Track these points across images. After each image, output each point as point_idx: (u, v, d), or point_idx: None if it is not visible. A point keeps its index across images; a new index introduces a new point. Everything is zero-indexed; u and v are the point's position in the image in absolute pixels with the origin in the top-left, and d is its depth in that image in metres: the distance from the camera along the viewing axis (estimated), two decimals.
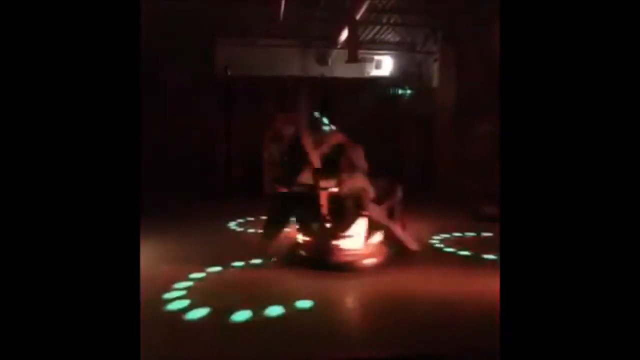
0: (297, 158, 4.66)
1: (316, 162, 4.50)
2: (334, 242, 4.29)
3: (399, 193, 4.86)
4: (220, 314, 3.06)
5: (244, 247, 5.07)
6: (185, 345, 2.64)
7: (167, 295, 3.41)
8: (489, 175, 6.89)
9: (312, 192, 4.42)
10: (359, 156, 4.66)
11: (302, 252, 4.48)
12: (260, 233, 4.96)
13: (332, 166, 4.56)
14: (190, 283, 3.73)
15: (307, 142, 4.60)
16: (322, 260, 4.24)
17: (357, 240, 4.36)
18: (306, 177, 4.48)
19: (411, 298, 3.46)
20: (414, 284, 3.80)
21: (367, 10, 8.71)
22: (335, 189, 4.46)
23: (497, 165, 1.70)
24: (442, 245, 5.28)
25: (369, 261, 4.28)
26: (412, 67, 11.49)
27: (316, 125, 5.16)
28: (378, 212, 4.58)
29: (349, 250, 4.29)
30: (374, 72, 11.64)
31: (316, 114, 5.25)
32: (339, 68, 11.08)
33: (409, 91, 11.13)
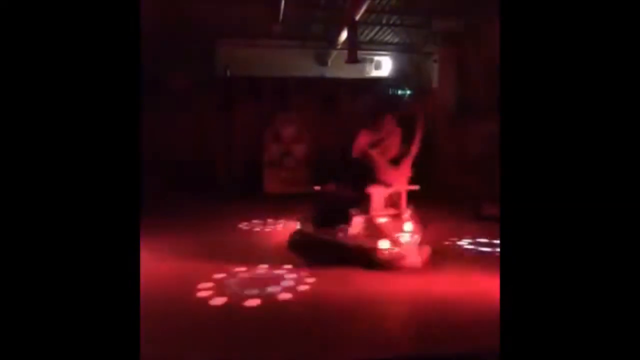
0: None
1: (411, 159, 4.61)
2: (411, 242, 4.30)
3: None
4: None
5: (256, 248, 5.08)
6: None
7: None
8: (490, 175, 6.89)
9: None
10: None
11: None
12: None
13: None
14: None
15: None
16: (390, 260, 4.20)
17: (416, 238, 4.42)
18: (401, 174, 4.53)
19: (411, 298, 3.46)
20: (414, 284, 3.80)
21: (366, 10, 8.71)
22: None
23: (497, 165, 1.70)
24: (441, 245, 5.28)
25: (417, 260, 4.28)
26: (411, 67, 11.49)
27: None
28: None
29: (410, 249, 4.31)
30: (374, 73, 11.64)
31: None
32: (339, 69, 11.09)
33: (408, 92, 11.13)
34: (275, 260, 4.46)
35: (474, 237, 5.58)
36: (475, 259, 4.68)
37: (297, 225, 5.36)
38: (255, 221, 6.77)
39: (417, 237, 4.39)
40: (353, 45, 9.28)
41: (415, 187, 4.65)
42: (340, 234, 4.43)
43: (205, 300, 3.37)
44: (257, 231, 6.21)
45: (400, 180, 4.54)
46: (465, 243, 5.36)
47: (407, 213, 4.48)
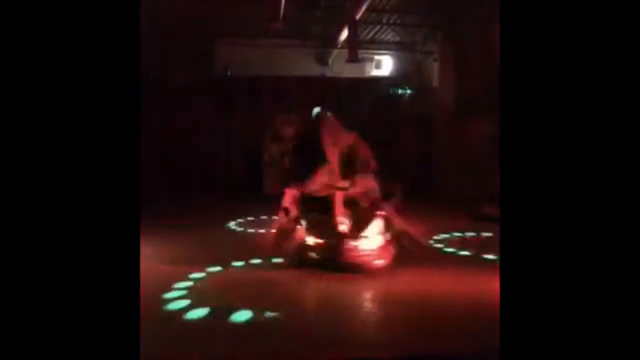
0: (306, 157, 4.62)
1: (334, 161, 4.48)
2: (349, 243, 4.22)
3: (399, 193, 4.85)
4: (220, 314, 3.06)
5: (245, 247, 5.07)
6: (185, 345, 2.64)
7: (167, 295, 3.41)
8: (489, 175, 6.88)
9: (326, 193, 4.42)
10: (370, 156, 4.66)
11: (313, 254, 4.31)
12: (274, 233, 4.83)
13: (348, 166, 4.54)
14: (190, 283, 3.73)
15: (328, 141, 4.52)
16: (334, 261, 4.16)
17: (372, 241, 4.30)
18: (321, 177, 4.44)
19: (410, 298, 3.46)
20: (413, 284, 3.80)
21: (367, 10, 8.70)
22: (351, 189, 4.46)
23: (497, 165, 1.70)
24: (441, 246, 5.28)
25: (379, 262, 4.21)
26: (411, 66, 11.48)
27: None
28: (392, 211, 4.57)
29: (362, 251, 4.22)
30: (374, 72, 11.64)
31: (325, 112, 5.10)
32: (339, 68, 11.08)
33: (408, 91, 11.13)
34: (275, 259, 4.47)
35: (466, 237, 5.60)
36: (471, 258, 4.68)
37: None
38: (255, 221, 6.77)
39: (375, 239, 4.32)
40: (353, 44, 9.28)
41: (341, 190, 4.48)
42: None
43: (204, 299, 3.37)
44: (257, 231, 6.22)
45: (314, 185, 4.50)
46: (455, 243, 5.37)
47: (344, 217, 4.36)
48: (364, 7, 8.38)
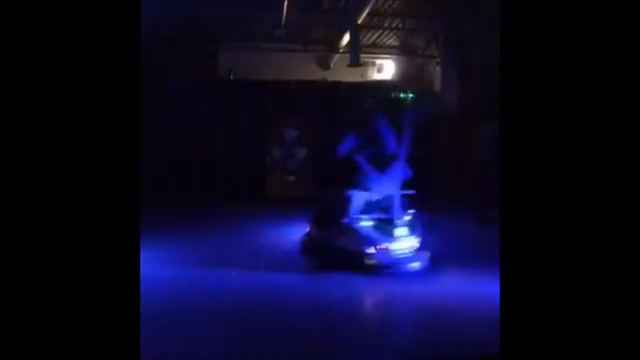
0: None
1: None
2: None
3: None
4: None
5: (248, 251, 5.08)
6: (186, 345, 2.65)
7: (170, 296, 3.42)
8: (490, 178, 6.88)
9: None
10: None
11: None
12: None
13: None
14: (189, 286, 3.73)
15: None
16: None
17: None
18: None
19: (411, 299, 3.46)
20: (414, 284, 3.80)
21: (369, 14, 8.71)
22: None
23: (498, 167, 1.70)
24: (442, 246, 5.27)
25: (414, 264, 4.24)
26: (413, 70, 11.48)
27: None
28: None
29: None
30: (376, 76, 11.65)
31: None
32: (341, 72, 11.09)
33: (410, 95, 11.11)
34: (277, 262, 4.46)
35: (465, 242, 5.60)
36: (472, 259, 4.68)
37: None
38: (257, 224, 6.78)
39: (414, 242, 4.34)
40: (355, 48, 9.29)
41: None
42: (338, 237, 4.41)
43: (205, 301, 3.38)
44: (259, 233, 6.23)
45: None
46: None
47: (403, 218, 4.41)
48: (366, 11, 8.39)
